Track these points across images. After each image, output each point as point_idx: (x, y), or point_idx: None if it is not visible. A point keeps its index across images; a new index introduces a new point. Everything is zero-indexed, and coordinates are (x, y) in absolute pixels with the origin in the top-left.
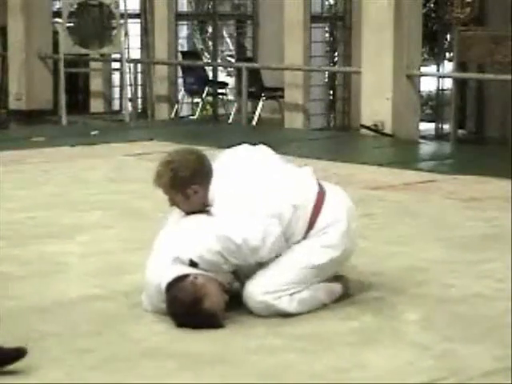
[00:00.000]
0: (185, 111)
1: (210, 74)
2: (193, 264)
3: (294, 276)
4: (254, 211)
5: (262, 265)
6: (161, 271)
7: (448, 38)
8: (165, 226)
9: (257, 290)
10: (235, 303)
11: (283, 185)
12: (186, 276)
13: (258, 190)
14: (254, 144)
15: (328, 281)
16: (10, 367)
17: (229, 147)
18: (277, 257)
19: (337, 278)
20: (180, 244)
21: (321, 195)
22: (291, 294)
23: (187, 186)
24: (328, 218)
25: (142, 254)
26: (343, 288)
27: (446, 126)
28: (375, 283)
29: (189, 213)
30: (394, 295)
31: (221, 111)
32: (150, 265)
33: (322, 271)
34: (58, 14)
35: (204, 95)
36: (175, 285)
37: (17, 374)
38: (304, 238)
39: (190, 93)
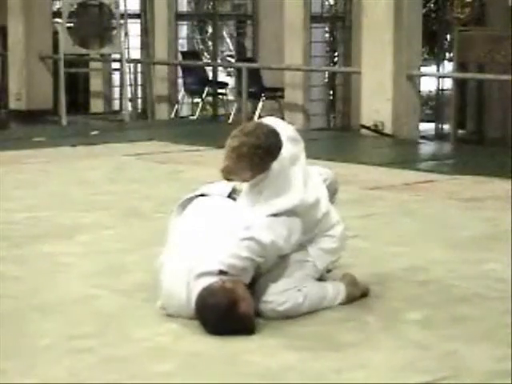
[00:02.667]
0: (185, 111)
1: (210, 74)
2: (222, 273)
3: (298, 276)
4: (278, 209)
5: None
6: (187, 288)
7: (448, 38)
8: (182, 225)
9: (265, 294)
10: None
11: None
12: (212, 283)
13: (281, 186)
14: None
15: (336, 282)
16: (11, 367)
17: None
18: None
19: (351, 283)
20: (205, 258)
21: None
22: (298, 290)
23: (258, 170)
24: (331, 219)
25: (142, 254)
26: (350, 292)
27: (446, 126)
28: (375, 283)
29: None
30: (394, 295)
31: (221, 111)
32: (170, 274)
33: (321, 272)
34: (58, 13)
35: (204, 95)
36: (204, 293)
37: (17, 373)
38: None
39: (190, 93)
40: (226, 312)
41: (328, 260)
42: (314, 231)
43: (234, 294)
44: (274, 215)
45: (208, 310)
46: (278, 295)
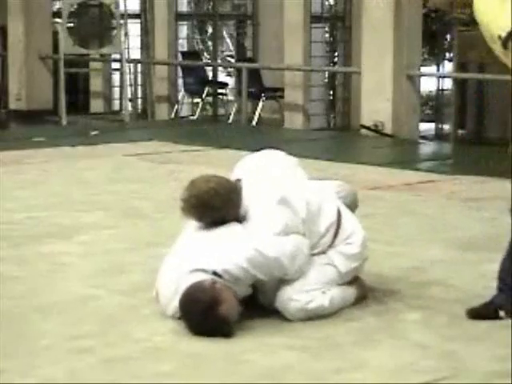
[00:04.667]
0: (185, 111)
1: (210, 74)
2: (216, 275)
3: (323, 278)
4: (287, 228)
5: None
6: (179, 280)
7: (448, 38)
8: (181, 239)
9: (291, 292)
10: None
11: (314, 198)
12: (204, 280)
13: (289, 202)
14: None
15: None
16: (11, 367)
17: (228, 147)
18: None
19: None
20: (203, 257)
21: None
22: (323, 292)
23: (219, 213)
24: (347, 229)
25: (142, 254)
26: (358, 294)
27: (446, 126)
28: (375, 283)
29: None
30: (394, 295)
31: (221, 111)
32: (164, 277)
33: (345, 277)
34: (58, 14)
35: (204, 95)
36: (193, 286)
37: (17, 373)
38: (327, 248)
39: (190, 93)
40: (206, 310)
41: (350, 265)
42: (319, 244)
43: (219, 294)
44: (280, 233)
45: (192, 302)
46: (304, 294)
